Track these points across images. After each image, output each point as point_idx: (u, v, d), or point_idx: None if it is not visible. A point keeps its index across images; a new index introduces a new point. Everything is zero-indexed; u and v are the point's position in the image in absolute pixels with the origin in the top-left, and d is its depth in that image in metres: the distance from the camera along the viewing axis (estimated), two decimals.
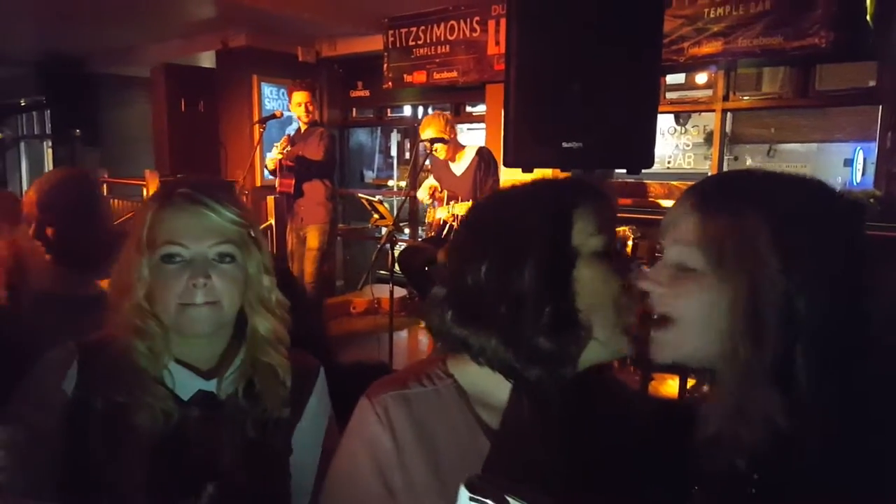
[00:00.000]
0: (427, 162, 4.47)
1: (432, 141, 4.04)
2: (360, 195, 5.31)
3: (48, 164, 9.65)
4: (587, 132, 2.09)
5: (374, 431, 0.90)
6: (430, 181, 4.37)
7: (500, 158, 4.20)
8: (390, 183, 7.45)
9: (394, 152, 7.99)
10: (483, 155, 4.22)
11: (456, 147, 4.22)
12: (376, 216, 4.46)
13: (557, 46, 2.14)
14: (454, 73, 5.42)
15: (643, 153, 2.12)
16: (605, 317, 0.86)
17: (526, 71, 2.23)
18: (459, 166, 4.21)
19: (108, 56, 7.61)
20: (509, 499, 0.59)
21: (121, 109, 8.39)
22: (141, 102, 8.48)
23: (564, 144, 2.11)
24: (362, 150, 7.58)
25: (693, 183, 0.88)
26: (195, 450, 1.05)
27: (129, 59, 7.41)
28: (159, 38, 6.58)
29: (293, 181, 4.68)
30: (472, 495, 0.60)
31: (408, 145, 7.67)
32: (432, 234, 4.42)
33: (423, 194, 4.37)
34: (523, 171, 2.23)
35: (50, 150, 9.54)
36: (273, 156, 4.67)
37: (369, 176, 7.63)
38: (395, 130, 7.75)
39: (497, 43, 5.03)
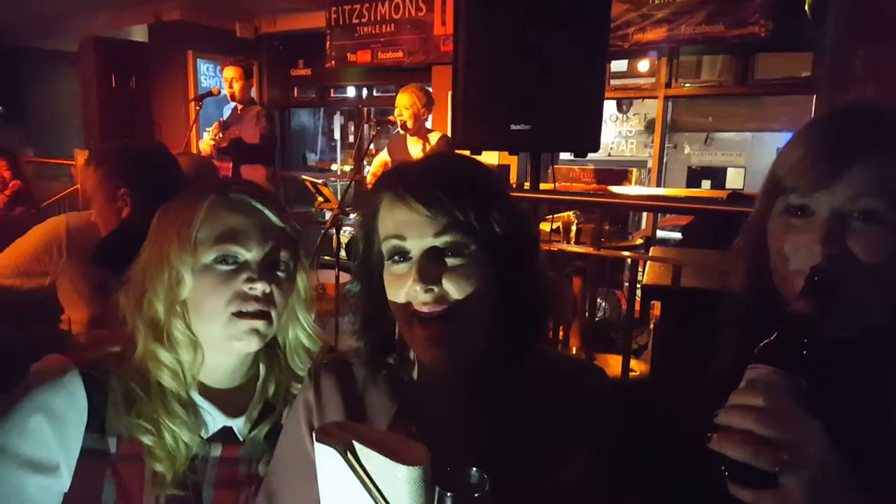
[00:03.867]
0: (371, 146, 4.38)
1: (379, 122, 3.96)
2: (303, 177, 5.18)
3: None
4: (536, 115, 2.08)
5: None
6: (383, 156, 4.28)
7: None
8: (333, 167, 7.32)
9: (337, 135, 7.84)
10: (440, 141, 4.15)
11: (421, 129, 4.14)
12: (321, 199, 4.35)
13: (507, 28, 2.12)
14: (399, 54, 5.33)
15: (590, 137, 2.12)
16: None
17: (475, 52, 2.19)
18: (418, 148, 4.14)
19: (31, 28, 7.18)
20: (355, 442, 0.63)
21: (46, 85, 7.96)
22: (68, 78, 8.07)
23: (513, 127, 2.08)
24: (305, 132, 7.41)
25: None
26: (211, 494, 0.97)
27: (55, 32, 7.01)
28: (87, 9, 6.24)
29: (230, 164, 4.52)
30: (318, 442, 0.65)
31: (352, 128, 7.54)
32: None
33: (374, 170, 4.28)
34: (472, 152, 2.20)
35: None
36: (206, 141, 4.49)
37: (312, 159, 7.47)
38: (338, 112, 7.60)
39: (443, 23, 4.96)
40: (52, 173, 6.08)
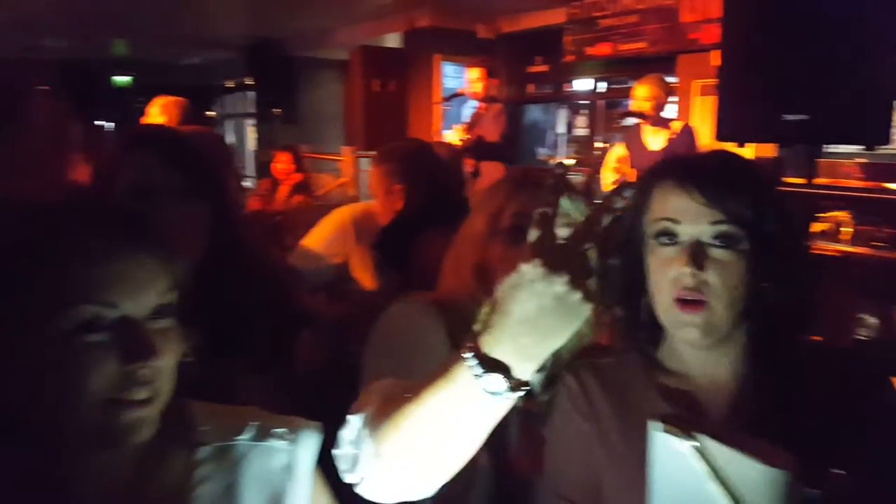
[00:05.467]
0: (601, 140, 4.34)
1: (625, 114, 3.92)
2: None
3: (249, 141, 10.67)
4: (815, 103, 1.94)
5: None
6: (619, 150, 4.24)
7: (699, 133, 4.01)
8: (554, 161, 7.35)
9: (561, 129, 7.86)
10: (683, 132, 4.01)
11: (660, 120, 4.04)
12: None
13: (781, 8, 1.99)
14: (642, 44, 5.21)
15: (877, 127, 1.93)
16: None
17: (743, 36, 2.10)
18: (655, 141, 4.04)
19: (305, 39, 8.21)
20: (709, 438, 0.62)
21: (316, 90, 9.04)
22: (333, 82, 9.09)
23: (787, 117, 1.97)
24: (536, 127, 7.55)
25: None
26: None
27: (324, 42, 7.94)
28: (351, 20, 6.97)
29: (472, 162, 4.77)
30: (664, 433, 0.65)
31: (578, 121, 7.51)
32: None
33: (609, 164, 4.25)
34: (738, 145, 2.12)
35: (252, 128, 10.54)
36: (452, 139, 4.78)
37: (542, 153, 7.59)
38: (565, 107, 7.63)
39: (693, 9, 4.76)
40: (321, 167, 6.89)
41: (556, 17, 5.92)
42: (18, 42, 8.19)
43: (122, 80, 10.48)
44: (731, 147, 2.15)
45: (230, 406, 0.82)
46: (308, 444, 0.79)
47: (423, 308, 1.14)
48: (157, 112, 3.40)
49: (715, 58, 4.35)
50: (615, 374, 0.98)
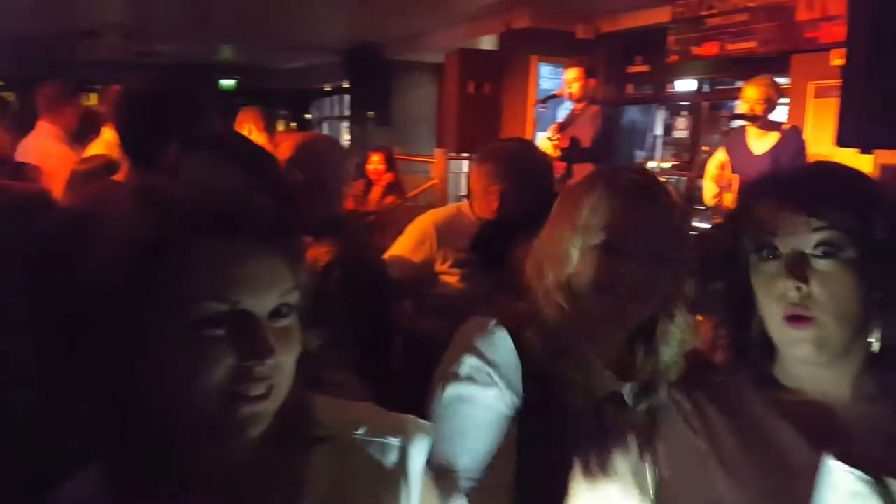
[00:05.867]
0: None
1: (732, 117, 3.74)
2: None
3: (343, 143, 10.96)
4: None
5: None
6: (720, 154, 4.05)
7: (811, 137, 3.76)
8: (651, 164, 7.11)
9: (658, 130, 7.60)
10: (791, 135, 3.78)
11: (766, 123, 3.83)
12: None
13: None
14: (753, 43, 4.94)
15: None
16: None
17: (871, 35, 1.93)
18: (761, 145, 3.83)
19: (401, 43, 8.33)
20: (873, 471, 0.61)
21: (409, 92, 9.17)
22: (425, 86, 9.19)
23: None
24: (634, 129, 7.32)
25: None
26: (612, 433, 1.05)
27: (419, 46, 8.04)
28: (448, 24, 7.01)
29: (564, 164, 4.67)
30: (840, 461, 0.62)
31: (678, 123, 7.24)
32: (719, 219, 4.11)
33: (710, 171, 4.06)
34: (861, 151, 1.95)
35: (347, 130, 10.82)
36: (543, 144, 4.70)
37: (640, 156, 7.36)
38: (662, 109, 7.37)
39: (810, 7, 4.46)
40: (413, 169, 6.98)
41: (658, 16, 5.72)
42: (133, 47, 8.73)
43: (227, 83, 10.99)
44: (853, 154, 1.98)
45: (346, 401, 0.83)
46: (420, 444, 0.80)
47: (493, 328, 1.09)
48: (241, 119, 3.75)
49: (836, 57, 4.10)
50: (729, 392, 0.95)
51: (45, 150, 3.51)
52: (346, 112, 10.69)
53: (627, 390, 1.07)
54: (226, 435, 0.68)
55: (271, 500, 0.72)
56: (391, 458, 0.78)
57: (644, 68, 6.31)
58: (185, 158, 1.38)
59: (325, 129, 12.03)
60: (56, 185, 2.99)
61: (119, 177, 1.69)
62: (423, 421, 0.84)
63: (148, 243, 0.66)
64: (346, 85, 10.15)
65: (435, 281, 2.16)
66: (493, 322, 1.08)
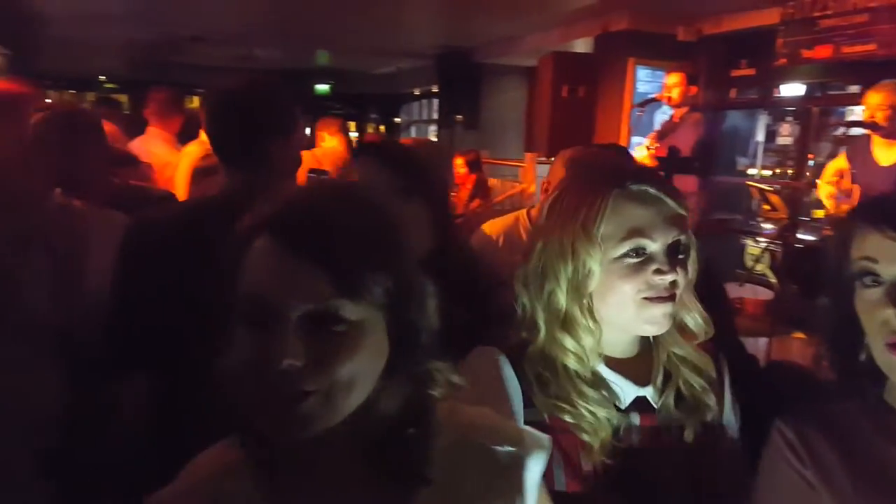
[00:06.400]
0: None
1: (850, 124, 3.49)
2: (749, 183, 4.90)
3: None
4: None
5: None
6: (839, 162, 3.79)
7: None
8: (751, 171, 6.78)
9: (760, 137, 7.24)
10: None
11: (892, 132, 3.55)
12: (767, 207, 4.05)
13: None
14: (872, 46, 4.61)
15: None
16: None
17: None
18: (888, 156, 3.55)
19: (493, 47, 8.31)
20: None
21: (498, 96, 9.15)
22: (514, 89, 9.13)
23: None
24: (737, 135, 6.99)
25: None
26: (642, 465, 1.01)
27: (510, 49, 7.99)
28: (541, 27, 6.92)
29: (661, 173, 4.52)
30: None
31: (782, 130, 6.87)
32: (829, 231, 3.86)
33: (826, 176, 3.81)
34: None
35: (434, 133, 10.89)
36: (640, 153, 4.56)
37: (742, 163, 7.02)
38: (764, 114, 7.00)
39: None
40: (500, 173, 6.93)
41: (766, 17, 5.43)
42: (234, 52, 9.10)
43: (322, 87, 11.29)
44: None
45: (461, 403, 0.81)
46: (538, 457, 0.78)
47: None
48: (319, 126, 4.10)
49: None
50: (837, 419, 0.92)
51: (156, 153, 3.67)
52: (434, 116, 10.77)
53: (650, 392, 1.05)
54: (287, 430, 0.68)
55: (388, 495, 0.73)
56: (508, 467, 0.77)
57: (749, 72, 6.01)
58: (356, 162, 1.53)
59: (413, 133, 12.17)
60: (180, 190, 3.14)
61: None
62: (540, 434, 0.81)
63: (229, 241, 0.71)
64: (434, 89, 10.23)
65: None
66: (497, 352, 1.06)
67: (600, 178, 1.04)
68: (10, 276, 1.40)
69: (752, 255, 4.88)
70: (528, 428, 0.82)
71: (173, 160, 3.61)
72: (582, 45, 6.82)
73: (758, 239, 4.94)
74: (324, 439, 0.69)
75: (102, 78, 11.64)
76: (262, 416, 0.69)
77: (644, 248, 0.99)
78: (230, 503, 0.73)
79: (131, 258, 1.47)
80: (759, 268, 4.26)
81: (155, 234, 1.50)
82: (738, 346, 1.68)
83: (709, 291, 1.11)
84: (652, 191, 1.01)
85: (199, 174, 2.74)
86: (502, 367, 1.04)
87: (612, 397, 1.03)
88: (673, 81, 4.46)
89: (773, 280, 4.14)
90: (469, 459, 0.76)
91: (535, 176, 6.10)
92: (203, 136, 3.71)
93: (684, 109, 4.60)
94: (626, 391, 1.04)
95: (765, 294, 4.11)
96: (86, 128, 2.03)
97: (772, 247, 4.20)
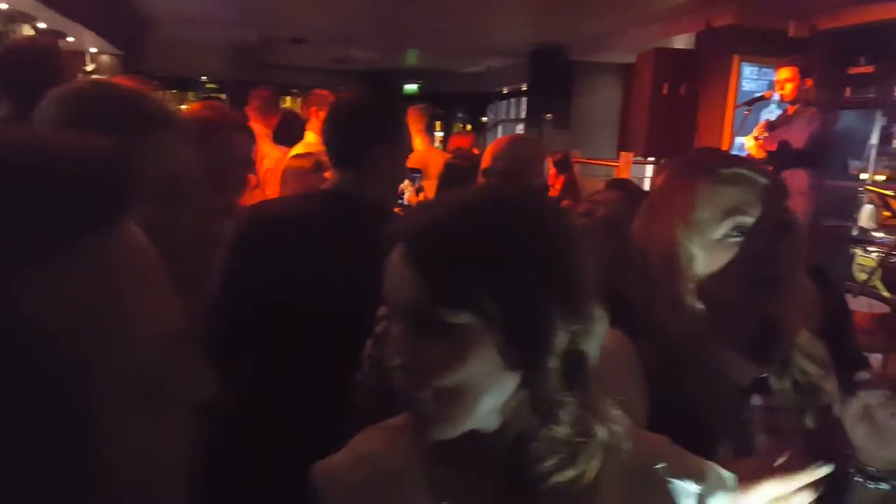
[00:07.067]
0: None
1: None
2: (868, 187, 4.58)
3: None
4: None
5: None
6: None
7: None
8: (863, 175, 6.32)
9: (874, 139, 6.73)
10: None
11: None
12: (887, 214, 3.76)
13: None
14: None
15: None
16: None
17: None
18: None
19: (586, 44, 8.15)
20: None
21: (590, 94, 8.96)
22: (608, 87, 8.91)
23: None
24: (851, 137, 6.55)
25: None
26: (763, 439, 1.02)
27: (605, 46, 7.80)
28: (640, 23, 6.72)
29: (770, 168, 4.28)
30: None
31: None
32: None
33: None
34: None
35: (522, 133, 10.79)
36: (748, 143, 4.33)
37: (854, 166, 6.57)
38: (880, 114, 6.50)
39: None
40: (593, 172, 6.76)
41: (888, 11, 5.05)
42: (332, 54, 9.33)
43: (410, 87, 11.41)
44: None
45: (640, 429, 0.80)
46: (721, 497, 0.76)
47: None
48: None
49: None
50: None
51: (261, 151, 3.78)
52: (522, 115, 10.67)
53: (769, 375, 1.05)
54: (416, 428, 0.73)
55: None
56: (689, 503, 0.74)
57: (868, 69, 5.62)
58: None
59: (500, 132, 12.09)
60: (272, 184, 3.22)
61: (328, 174, 1.89)
62: (727, 473, 0.78)
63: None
64: (523, 87, 10.13)
65: None
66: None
67: (691, 168, 1.08)
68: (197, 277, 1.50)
69: (862, 265, 4.57)
70: (713, 465, 0.79)
71: (273, 154, 3.73)
72: (682, 42, 6.57)
73: (868, 249, 4.62)
74: (470, 447, 0.71)
75: (204, 78, 12.19)
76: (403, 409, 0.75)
77: (745, 225, 0.99)
78: (394, 481, 0.75)
79: (244, 249, 1.59)
80: (873, 280, 3.98)
81: (268, 226, 1.63)
82: (857, 354, 1.64)
83: (825, 294, 1.13)
84: (744, 171, 1.02)
85: (298, 174, 2.80)
86: (630, 349, 1.05)
87: (736, 374, 1.04)
88: (785, 76, 4.21)
89: (886, 294, 3.87)
90: (647, 489, 0.74)
91: (630, 175, 5.93)
92: (308, 137, 3.82)
93: (799, 105, 4.34)
94: (745, 370, 1.05)
95: (880, 307, 3.84)
96: (239, 131, 2.09)
97: (890, 258, 3.91)
